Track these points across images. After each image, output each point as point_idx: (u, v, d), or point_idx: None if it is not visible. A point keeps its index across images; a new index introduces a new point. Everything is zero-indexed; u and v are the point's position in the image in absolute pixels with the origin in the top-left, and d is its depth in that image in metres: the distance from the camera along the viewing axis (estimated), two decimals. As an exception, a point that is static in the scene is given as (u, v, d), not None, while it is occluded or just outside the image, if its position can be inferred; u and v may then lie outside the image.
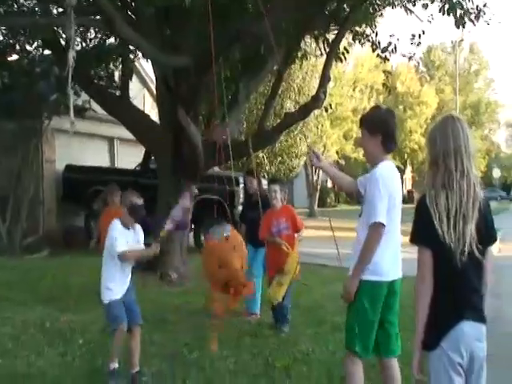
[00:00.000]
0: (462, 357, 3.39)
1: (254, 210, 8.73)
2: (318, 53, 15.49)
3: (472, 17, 11.57)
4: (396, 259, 4.94)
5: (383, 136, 4.85)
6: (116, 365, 6.16)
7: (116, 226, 6.22)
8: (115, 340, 6.17)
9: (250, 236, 8.77)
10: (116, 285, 6.22)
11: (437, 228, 3.39)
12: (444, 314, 3.44)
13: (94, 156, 20.32)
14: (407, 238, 3.59)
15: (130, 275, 6.37)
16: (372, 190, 4.77)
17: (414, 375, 3.53)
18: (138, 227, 6.41)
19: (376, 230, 4.71)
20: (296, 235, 8.34)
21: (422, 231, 3.49)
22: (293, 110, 17.98)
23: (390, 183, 4.80)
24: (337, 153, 40.59)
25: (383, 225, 4.69)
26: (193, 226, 15.41)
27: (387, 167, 4.89)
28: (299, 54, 14.44)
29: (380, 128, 4.86)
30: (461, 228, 3.40)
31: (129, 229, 6.28)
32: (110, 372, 6.14)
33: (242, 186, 15.75)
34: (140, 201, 6.30)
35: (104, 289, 6.23)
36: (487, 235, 3.52)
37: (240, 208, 15.84)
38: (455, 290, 3.45)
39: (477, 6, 11.63)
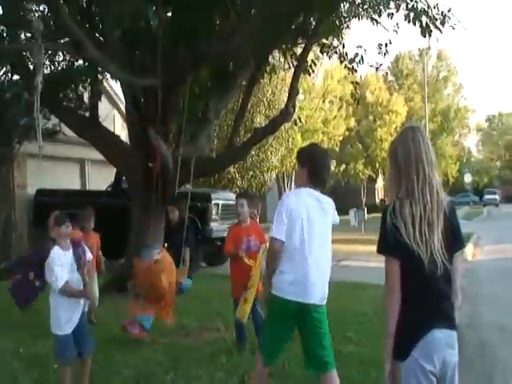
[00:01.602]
0: (433, 365, 3.39)
1: (177, 234, 9.30)
2: (287, 66, 15.57)
3: (437, 23, 11.63)
4: (310, 282, 5.10)
5: (308, 172, 5.30)
6: None
7: (55, 254, 6.24)
8: (61, 376, 6.21)
9: (176, 258, 9.25)
10: (65, 313, 6.15)
11: (403, 237, 3.43)
12: (414, 322, 3.45)
13: (66, 179, 20.21)
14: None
15: (82, 302, 6.29)
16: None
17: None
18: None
19: (271, 244, 5.22)
20: (261, 248, 8.17)
21: (389, 241, 3.50)
22: (263, 125, 17.99)
23: (291, 205, 5.18)
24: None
25: (277, 239, 5.10)
26: (165, 245, 15.25)
27: (295, 192, 5.46)
28: (267, 69, 14.51)
29: (308, 165, 5.34)
30: (427, 235, 3.44)
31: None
32: None
33: (213, 202, 15.77)
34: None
35: (53, 319, 6.20)
36: (454, 241, 3.56)
37: (212, 224, 15.80)
38: (425, 298, 3.47)
39: (442, 12, 11.70)
